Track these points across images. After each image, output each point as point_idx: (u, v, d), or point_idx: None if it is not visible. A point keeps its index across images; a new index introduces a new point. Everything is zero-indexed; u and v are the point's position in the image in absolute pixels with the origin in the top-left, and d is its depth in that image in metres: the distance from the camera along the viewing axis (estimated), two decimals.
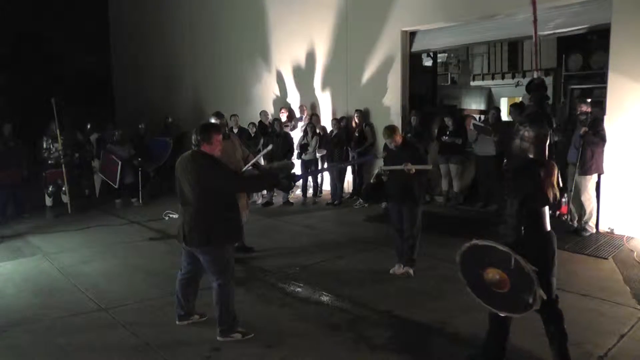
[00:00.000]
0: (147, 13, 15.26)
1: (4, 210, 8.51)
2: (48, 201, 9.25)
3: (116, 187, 9.49)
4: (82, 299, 4.94)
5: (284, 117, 10.51)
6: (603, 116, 6.87)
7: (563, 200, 6.71)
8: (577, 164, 6.60)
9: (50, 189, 9.17)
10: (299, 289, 5.14)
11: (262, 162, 8.06)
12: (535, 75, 3.86)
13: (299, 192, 10.16)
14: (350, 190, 9.89)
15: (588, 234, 6.71)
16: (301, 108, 10.65)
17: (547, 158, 3.27)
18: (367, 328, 4.20)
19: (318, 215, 8.70)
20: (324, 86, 10.64)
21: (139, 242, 7.16)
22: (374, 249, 6.51)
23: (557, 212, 7.09)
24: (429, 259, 5.77)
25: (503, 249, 2.96)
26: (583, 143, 6.53)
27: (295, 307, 4.70)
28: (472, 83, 16.69)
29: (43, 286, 5.34)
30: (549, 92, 8.02)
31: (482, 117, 12.26)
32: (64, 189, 9.07)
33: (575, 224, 6.90)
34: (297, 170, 9.90)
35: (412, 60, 9.72)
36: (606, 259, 5.85)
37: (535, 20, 3.97)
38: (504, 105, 15.00)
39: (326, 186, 10.04)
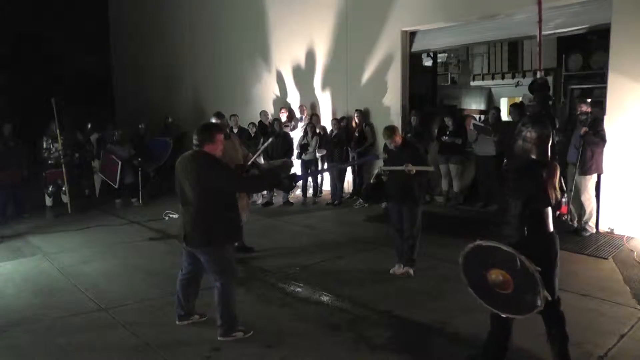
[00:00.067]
0: (147, 13, 15.26)
1: (4, 210, 8.51)
2: (48, 201, 9.25)
3: (116, 187, 9.49)
4: (82, 299, 4.94)
5: (284, 117, 10.51)
6: (603, 116, 6.87)
7: (563, 200, 6.71)
8: (577, 164, 6.60)
9: (50, 189, 9.17)
10: (299, 289, 5.14)
11: (262, 160, 8.08)
12: (538, 76, 3.87)
13: (299, 192, 10.16)
14: (350, 190, 9.89)
15: (588, 234, 6.72)
16: (301, 108, 10.65)
17: (549, 159, 3.27)
18: (367, 328, 4.20)
19: (318, 215, 8.70)
20: (324, 86, 10.64)
21: (139, 242, 7.16)
22: (374, 249, 6.51)
23: (557, 213, 7.09)
24: (429, 259, 5.77)
25: (507, 249, 2.95)
26: (583, 143, 6.53)
27: (295, 307, 4.70)
28: (472, 83, 16.69)
29: (43, 286, 5.34)
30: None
31: (482, 117, 12.26)
32: (64, 189, 9.07)
33: (575, 224, 6.90)
34: (296, 169, 9.96)
35: (412, 60, 9.71)
36: (606, 259, 5.85)
37: (540, 21, 3.98)
38: (504, 105, 15.00)
39: (326, 186, 10.04)
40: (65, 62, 16.95)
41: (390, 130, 5.36)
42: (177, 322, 4.26)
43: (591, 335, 3.92)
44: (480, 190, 8.69)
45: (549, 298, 2.92)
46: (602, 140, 6.52)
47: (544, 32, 7.33)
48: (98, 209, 9.32)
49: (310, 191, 9.86)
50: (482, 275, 3.10)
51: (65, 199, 9.10)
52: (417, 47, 9.55)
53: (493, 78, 16.21)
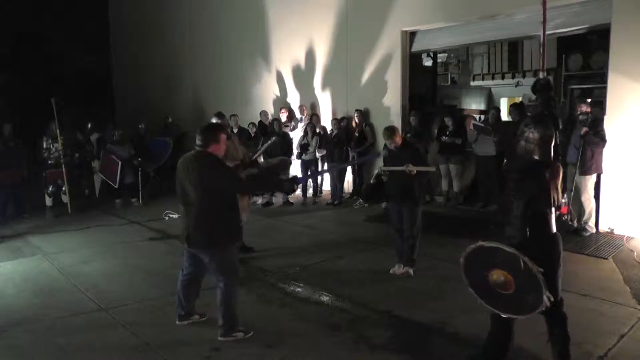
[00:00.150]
0: (147, 13, 15.26)
1: (4, 210, 8.51)
2: (48, 201, 9.25)
3: (116, 187, 9.48)
4: (82, 299, 4.94)
5: (284, 117, 10.51)
6: (603, 116, 6.87)
7: (563, 200, 6.71)
8: (577, 164, 6.60)
9: (50, 189, 9.17)
10: (299, 289, 5.14)
11: (261, 159, 8.08)
12: (541, 76, 3.85)
13: (299, 192, 10.15)
14: (350, 190, 9.89)
15: (588, 234, 6.72)
16: (301, 108, 10.65)
17: (552, 159, 3.26)
18: (367, 328, 4.20)
19: (318, 215, 8.70)
20: (324, 86, 10.64)
21: (139, 242, 7.16)
22: (374, 249, 6.51)
23: (557, 213, 7.08)
24: (429, 259, 5.77)
25: (510, 250, 2.95)
26: (583, 143, 6.53)
27: (295, 307, 4.70)
28: (472, 83, 16.69)
29: (43, 286, 5.34)
30: None
31: (482, 117, 12.26)
32: (64, 189, 9.07)
33: (575, 224, 6.91)
34: (296, 169, 9.96)
35: (412, 60, 9.72)
36: (606, 259, 5.86)
37: (544, 21, 3.96)
38: (504, 105, 15.00)
39: (326, 186, 10.04)
40: (65, 62, 16.96)
41: (390, 131, 5.36)
42: (177, 322, 4.26)
43: (591, 335, 3.92)
44: (480, 190, 8.69)
45: (552, 299, 2.91)
46: (602, 140, 6.52)
47: None
48: (98, 209, 9.32)
49: (310, 191, 9.86)
50: (484, 275, 3.10)
51: (65, 199, 9.10)
52: (417, 47, 9.55)
53: (493, 78, 16.21)
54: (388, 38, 9.44)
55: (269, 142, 6.58)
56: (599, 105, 7.65)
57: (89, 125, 10.79)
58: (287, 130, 10.03)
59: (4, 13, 15.51)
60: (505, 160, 8.06)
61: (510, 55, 15.47)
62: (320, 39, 10.51)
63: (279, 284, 5.30)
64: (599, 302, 4.62)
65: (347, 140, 9.45)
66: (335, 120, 9.62)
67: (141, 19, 15.48)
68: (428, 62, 13.22)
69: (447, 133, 8.71)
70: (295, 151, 9.68)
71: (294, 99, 11.26)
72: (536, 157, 3.21)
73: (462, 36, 9.12)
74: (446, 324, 4.23)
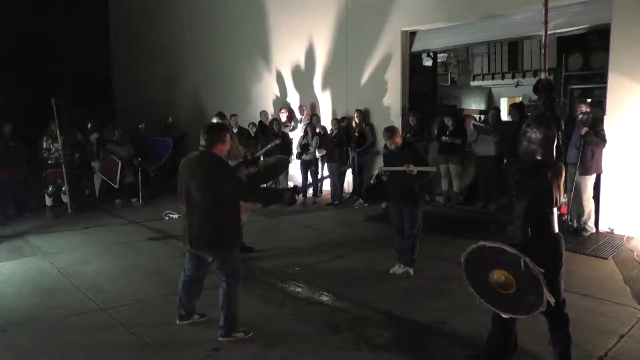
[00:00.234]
0: (147, 13, 15.26)
1: (4, 210, 8.50)
2: (48, 201, 9.25)
3: (116, 187, 9.48)
4: (82, 299, 4.94)
5: (284, 117, 10.51)
6: (603, 116, 6.87)
7: (563, 200, 6.71)
8: (578, 164, 6.60)
9: (50, 189, 9.16)
10: (299, 289, 5.14)
11: (261, 158, 8.08)
12: (542, 76, 3.85)
13: None
14: (350, 190, 9.89)
15: (588, 233, 6.72)
16: (301, 108, 10.66)
17: (554, 159, 3.26)
18: (367, 328, 4.20)
19: (318, 215, 8.70)
20: (324, 86, 10.64)
21: (139, 242, 7.16)
22: (374, 249, 6.51)
23: (558, 213, 7.08)
24: (429, 259, 5.77)
25: (511, 250, 2.95)
26: (583, 143, 6.53)
27: (295, 307, 4.70)
28: (472, 83, 16.68)
29: (43, 286, 5.34)
30: None
31: (482, 117, 12.26)
32: (64, 189, 9.07)
33: (575, 224, 6.91)
34: (296, 169, 9.98)
35: (412, 60, 9.71)
36: (606, 259, 5.86)
37: (546, 22, 3.96)
38: (504, 105, 15.00)
39: (326, 186, 10.04)
40: (65, 62, 16.97)
41: (390, 131, 5.36)
42: (177, 322, 4.26)
43: (591, 335, 3.92)
44: (480, 190, 8.69)
45: (552, 301, 2.91)
46: (602, 140, 6.52)
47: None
48: (98, 209, 9.32)
49: (310, 191, 9.86)
50: (485, 275, 3.10)
51: (65, 199, 9.10)
52: (417, 47, 9.55)
53: (493, 78, 16.20)
54: (388, 38, 9.43)
55: (272, 144, 6.58)
56: (599, 105, 7.65)
57: (89, 126, 10.79)
58: (287, 130, 10.03)
59: (4, 13, 15.52)
60: (505, 161, 8.08)
61: (510, 55, 15.46)
62: (320, 39, 10.51)
63: (279, 284, 5.30)
64: (599, 302, 4.62)
65: (347, 141, 9.45)
66: (335, 120, 9.62)
67: (141, 19, 15.48)
68: (428, 62, 13.21)
69: (447, 133, 8.71)
70: (295, 151, 9.69)
71: (294, 99, 11.26)
72: (538, 157, 3.21)
73: (462, 36, 9.12)
74: (446, 324, 4.24)
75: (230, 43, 12.56)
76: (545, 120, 3.32)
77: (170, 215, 8.37)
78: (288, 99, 11.39)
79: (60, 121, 8.90)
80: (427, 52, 11.59)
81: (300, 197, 9.80)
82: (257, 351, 3.82)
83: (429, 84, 12.31)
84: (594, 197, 6.81)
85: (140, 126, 10.91)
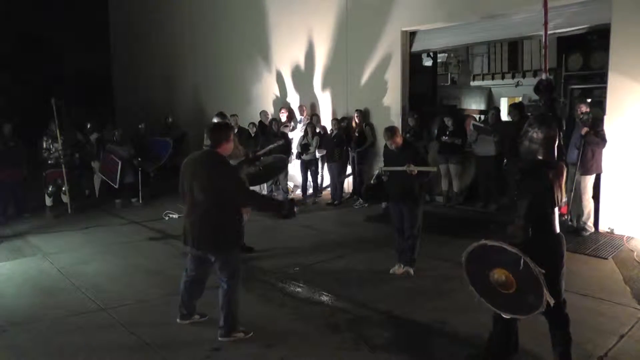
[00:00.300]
0: (147, 13, 15.26)
1: (4, 210, 8.50)
2: (48, 201, 9.25)
3: (116, 187, 9.48)
4: (82, 299, 4.94)
5: (283, 117, 10.51)
6: (603, 116, 6.87)
7: (563, 200, 6.71)
8: (578, 164, 6.60)
9: (50, 189, 9.17)
10: (299, 289, 5.14)
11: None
12: (543, 77, 3.85)
13: (299, 192, 10.17)
14: (350, 190, 9.89)
15: (587, 233, 6.73)
16: (301, 108, 10.66)
17: (556, 159, 3.26)
18: (367, 328, 4.20)
19: (318, 215, 8.70)
20: (324, 86, 10.64)
21: (139, 242, 7.16)
22: (374, 249, 6.51)
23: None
24: (429, 259, 5.77)
25: (512, 250, 2.95)
26: (584, 143, 6.53)
27: (295, 307, 4.70)
28: (472, 83, 16.68)
29: (43, 286, 5.34)
30: None
31: (482, 117, 12.26)
32: (64, 189, 9.07)
33: (575, 223, 6.91)
34: (296, 169, 9.98)
35: (412, 60, 9.71)
36: (606, 259, 5.86)
37: (545, 23, 3.96)
38: (504, 105, 14.99)
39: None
40: (65, 62, 16.97)
41: (390, 131, 5.36)
42: (178, 320, 4.26)
43: (591, 335, 3.92)
44: (480, 190, 8.69)
45: (552, 302, 2.91)
46: (603, 140, 6.52)
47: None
48: (98, 209, 9.32)
49: (310, 191, 9.86)
50: (485, 274, 3.10)
51: (65, 199, 9.10)
52: (417, 47, 9.55)
53: (493, 78, 16.20)
54: (388, 38, 9.43)
55: (276, 144, 6.60)
56: (599, 105, 7.65)
57: (88, 126, 10.80)
58: (286, 130, 10.03)
59: (4, 13, 15.53)
60: (505, 161, 8.08)
61: (510, 55, 15.45)
62: (320, 39, 10.51)
63: (279, 284, 5.30)
64: (599, 302, 4.62)
65: (347, 140, 9.45)
66: (335, 120, 9.62)
67: (141, 19, 15.48)
68: (428, 62, 13.21)
69: (447, 133, 8.71)
70: (295, 151, 9.69)
71: (294, 99, 11.26)
72: (540, 157, 3.21)
73: (462, 36, 9.12)
74: (446, 324, 4.23)
75: (230, 43, 12.55)
76: (546, 120, 3.31)
77: (170, 215, 8.37)
78: (288, 99, 11.39)
79: (60, 121, 8.90)
80: (427, 52, 11.59)
81: (300, 196, 9.82)
82: (257, 351, 3.82)
83: (429, 84, 12.31)
84: (593, 197, 6.81)
85: (140, 126, 10.91)
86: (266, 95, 11.87)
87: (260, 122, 10.58)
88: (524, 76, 14.97)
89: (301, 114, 10.56)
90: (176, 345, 3.96)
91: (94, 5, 16.82)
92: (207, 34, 13.23)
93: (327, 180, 10.00)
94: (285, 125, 10.22)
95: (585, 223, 6.76)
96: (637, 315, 4.32)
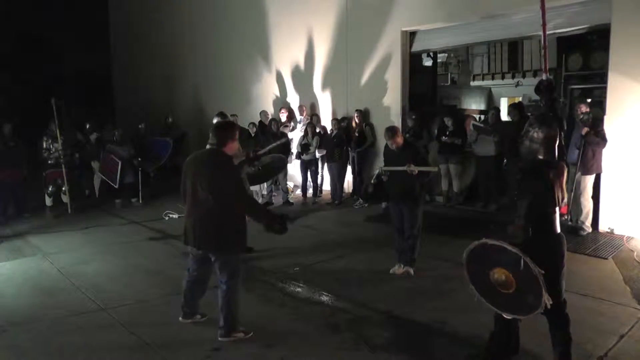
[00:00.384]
0: (147, 13, 15.26)
1: (4, 210, 8.50)
2: (48, 201, 9.26)
3: (116, 187, 9.48)
4: (82, 299, 4.94)
5: (283, 117, 10.51)
6: (603, 116, 6.87)
7: (564, 200, 6.71)
8: (578, 164, 6.61)
9: (50, 189, 9.17)
10: (299, 289, 5.14)
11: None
12: (543, 77, 3.85)
13: (298, 192, 10.17)
14: (350, 190, 9.89)
15: (585, 233, 6.73)
16: (301, 108, 10.66)
17: (556, 159, 3.26)
18: (367, 328, 4.20)
19: (318, 215, 8.69)
20: (324, 86, 10.64)
21: (139, 242, 7.16)
22: (374, 249, 6.51)
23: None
24: (429, 259, 5.77)
25: (512, 249, 2.94)
26: (584, 143, 6.54)
27: (295, 307, 4.70)
28: (472, 83, 16.68)
29: (43, 286, 5.34)
30: None
31: (482, 117, 12.26)
32: (64, 189, 9.07)
33: (574, 223, 6.91)
34: (296, 169, 9.97)
35: (412, 60, 9.71)
36: (606, 259, 5.86)
37: (544, 24, 3.95)
38: (504, 105, 14.98)
39: (326, 186, 10.03)
40: (65, 62, 16.97)
41: (391, 131, 5.36)
42: (180, 319, 4.25)
43: (591, 335, 3.92)
44: (480, 190, 8.69)
45: (550, 302, 2.90)
46: (603, 139, 6.52)
47: None
48: (98, 209, 9.31)
49: (310, 191, 9.86)
50: (485, 273, 3.10)
51: (65, 199, 9.10)
52: (417, 47, 9.55)
53: (493, 78, 16.18)
54: (388, 38, 9.43)
55: (279, 142, 6.59)
56: (599, 105, 7.64)
57: (87, 126, 10.80)
58: (286, 130, 10.03)
59: (4, 13, 15.53)
60: (505, 161, 8.08)
61: (510, 55, 15.44)
62: (320, 39, 10.51)
63: (279, 284, 5.30)
64: (599, 302, 4.62)
65: (347, 140, 9.45)
66: (335, 120, 9.62)
67: (141, 19, 15.48)
68: (428, 62, 13.21)
69: (447, 133, 8.71)
70: (295, 151, 9.69)
71: (294, 99, 11.26)
72: (540, 157, 3.21)
73: (462, 36, 9.12)
74: (446, 324, 4.23)
75: (230, 43, 12.55)
76: (547, 119, 3.31)
77: (170, 215, 8.37)
78: (288, 99, 11.39)
79: (60, 121, 8.90)
80: (427, 52, 11.59)
81: (300, 196, 9.82)
82: (257, 351, 3.82)
83: (429, 84, 12.30)
84: (593, 197, 6.81)
85: (140, 126, 10.91)
86: (266, 95, 11.87)
87: (260, 122, 10.58)
88: (524, 76, 14.96)
89: (301, 114, 10.56)
90: (176, 345, 3.95)
91: (94, 5, 16.82)
92: (207, 34, 13.23)
93: (327, 181, 9.99)
94: (285, 125, 10.22)
95: (583, 222, 6.77)
96: (637, 315, 4.32)
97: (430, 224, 6.44)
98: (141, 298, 4.93)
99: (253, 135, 9.88)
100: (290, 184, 10.08)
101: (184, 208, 4.07)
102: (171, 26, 14.37)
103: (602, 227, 6.90)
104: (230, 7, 12.48)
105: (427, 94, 11.98)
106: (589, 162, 6.60)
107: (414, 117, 9.05)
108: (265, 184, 9.55)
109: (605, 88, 7.05)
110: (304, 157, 9.56)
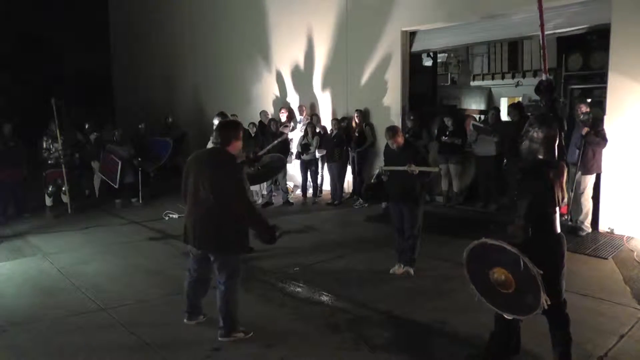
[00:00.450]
0: (147, 13, 15.26)
1: (4, 210, 8.50)
2: (48, 201, 9.25)
3: (116, 187, 9.48)
4: (82, 299, 4.94)
5: (283, 117, 10.50)
6: (603, 116, 6.87)
7: (564, 200, 6.71)
8: (579, 164, 6.61)
9: (50, 189, 9.17)
10: (299, 289, 5.14)
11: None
12: (543, 77, 3.86)
13: (299, 192, 10.17)
14: (350, 190, 9.89)
15: (584, 233, 6.73)
16: (301, 108, 10.65)
17: (556, 159, 3.26)
18: (367, 328, 4.20)
19: (318, 215, 8.69)
20: (324, 86, 10.64)
21: (139, 242, 7.16)
22: (374, 249, 6.51)
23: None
24: (429, 259, 5.77)
25: (512, 249, 2.95)
26: (584, 143, 6.54)
27: (295, 307, 4.70)
28: (472, 83, 16.67)
29: (43, 286, 5.34)
30: None
31: (482, 117, 12.26)
32: (64, 189, 9.07)
33: (574, 223, 6.91)
34: (296, 169, 9.97)
35: (412, 60, 9.71)
36: (606, 259, 5.86)
37: (542, 25, 3.95)
38: (504, 105, 14.98)
39: (326, 186, 10.04)
40: (65, 62, 16.97)
41: (392, 131, 5.35)
42: (185, 321, 4.23)
43: (591, 335, 3.92)
44: (480, 190, 8.69)
45: (548, 303, 2.90)
46: (603, 139, 6.52)
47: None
48: (98, 209, 9.31)
49: (310, 191, 9.86)
50: (485, 273, 3.10)
51: (65, 199, 9.10)
52: (417, 47, 9.55)
53: (493, 78, 16.17)
54: (388, 38, 9.43)
55: (280, 139, 6.58)
56: (599, 105, 7.64)
57: (87, 126, 10.80)
58: (286, 130, 10.03)
59: (4, 13, 15.52)
60: (505, 161, 8.08)
61: (510, 55, 15.44)
62: (320, 39, 10.51)
63: (279, 284, 5.30)
64: (599, 302, 4.62)
65: (347, 140, 9.45)
66: (335, 120, 9.62)
67: (141, 19, 15.47)
68: (428, 62, 13.21)
69: (447, 133, 8.71)
70: (295, 151, 9.69)
71: (293, 99, 11.26)
72: (540, 157, 3.21)
73: (462, 36, 9.12)
74: (446, 324, 4.23)
75: (230, 43, 12.55)
76: (547, 119, 3.31)
77: (170, 215, 8.37)
78: (288, 99, 11.39)
79: (60, 121, 8.90)
80: (427, 52, 11.58)
81: (300, 196, 9.81)
82: (257, 351, 3.82)
83: (429, 84, 12.30)
84: (593, 197, 6.81)
85: (140, 126, 10.90)
86: (266, 95, 11.87)
87: (260, 122, 10.58)
88: (524, 76, 14.96)
89: (301, 114, 10.55)
90: (176, 345, 3.95)
91: (94, 5, 16.82)
92: (207, 34, 13.23)
93: (327, 181, 9.99)
94: (285, 125, 10.22)
95: (582, 222, 6.77)
96: (637, 315, 4.32)
97: (430, 224, 6.44)
98: (141, 298, 4.93)
99: (253, 135, 9.88)
100: (290, 184, 10.08)
101: (185, 208, 4.07)
102: (171, 26, 14.37)
103: (602, 227, 6.90)
104: (230, 7, 12.48)
105: (427, 94, 11.98)
106: (589, 162, 6.60)
107: (412, 117, 9.04)
108: (265, 184, 9.55)
109: (605, 88, 7.05)
110: (304, 157, 9.56)
